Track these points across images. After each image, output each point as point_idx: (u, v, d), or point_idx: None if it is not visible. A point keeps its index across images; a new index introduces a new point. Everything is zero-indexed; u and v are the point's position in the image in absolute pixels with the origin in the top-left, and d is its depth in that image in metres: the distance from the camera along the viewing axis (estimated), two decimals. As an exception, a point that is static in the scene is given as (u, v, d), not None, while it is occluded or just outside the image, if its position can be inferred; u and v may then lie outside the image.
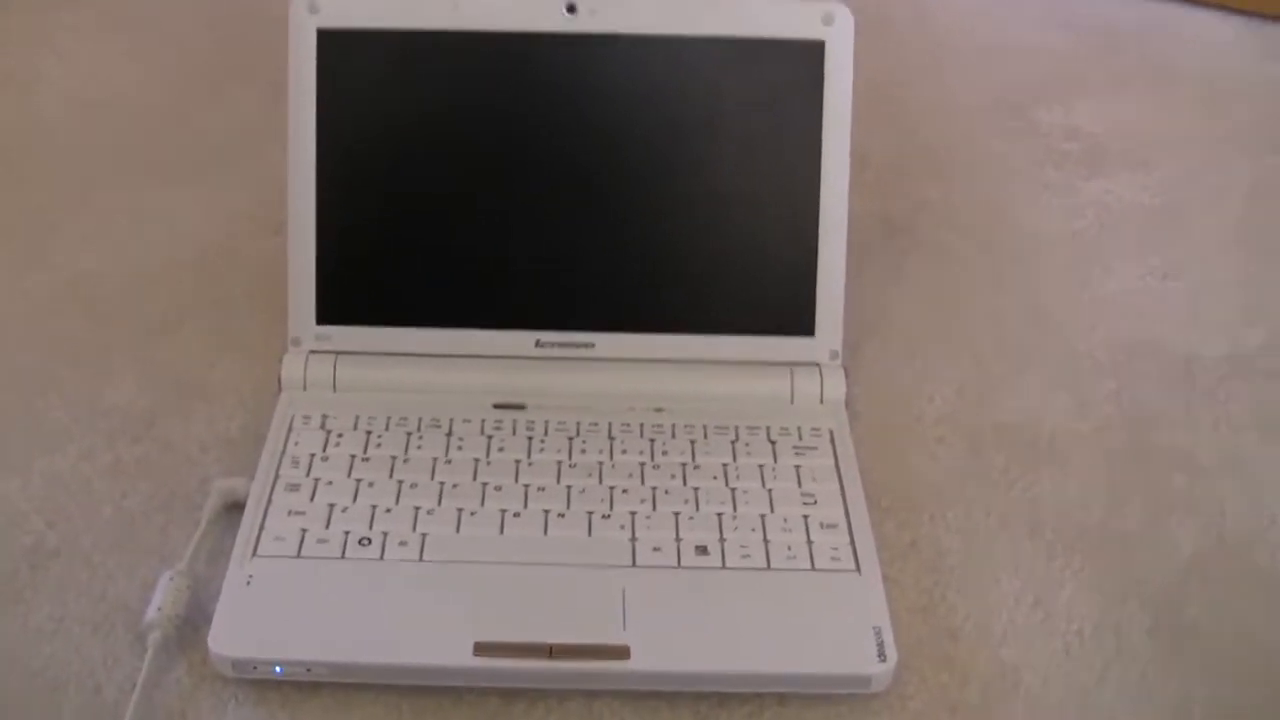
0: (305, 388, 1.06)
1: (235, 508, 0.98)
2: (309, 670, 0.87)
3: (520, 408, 1.05)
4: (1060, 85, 1.59)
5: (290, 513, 0.96)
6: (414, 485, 0.98)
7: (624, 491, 0.98)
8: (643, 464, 1.00)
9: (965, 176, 1.41)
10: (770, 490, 0.98)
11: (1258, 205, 1.38)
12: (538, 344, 1.06)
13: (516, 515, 0.96)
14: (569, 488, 0.98)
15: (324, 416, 1.03)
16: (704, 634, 0.88)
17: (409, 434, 1.02)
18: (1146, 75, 1.62)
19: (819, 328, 1.06)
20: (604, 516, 0.96)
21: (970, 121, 1.51)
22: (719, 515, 0.96)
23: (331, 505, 0.96)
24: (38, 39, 1.65)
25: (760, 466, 1.00)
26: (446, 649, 0.87)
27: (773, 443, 1.02)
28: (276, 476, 0.99)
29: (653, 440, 1.02)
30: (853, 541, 0.95)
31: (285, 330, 1.06)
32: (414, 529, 0.94)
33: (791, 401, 1.06)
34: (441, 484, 0.98)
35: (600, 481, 0.98)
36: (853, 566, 0.93)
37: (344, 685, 0.88)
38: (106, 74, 1.58)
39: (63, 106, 1.52)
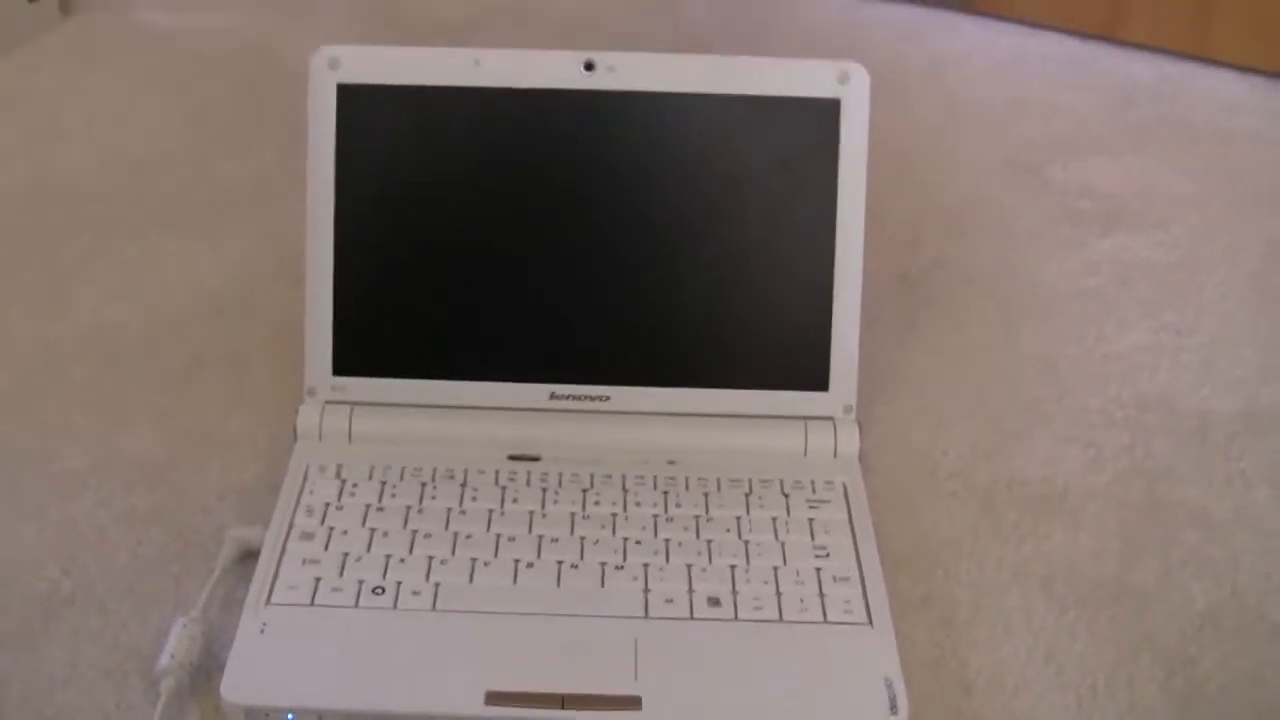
0: (321, 438, 1.06)
1: (249, 556, 0.99)
2: (321, 718, 0.87)
3: (535, 459, 1.05)
4: (1075, 143, 1.59)
5: (304, 561, 0.96)
6: (428, 535, 0.98)
7: (637, 543, 0.98)
8: (656, 516, 1.00)
9: (979, 234, 1.41)
10: (783, 543, 0.98)
11: (1272, 262, 1.38)
12: (553, 396, 1.06)
13: (530, 566, 0.96)
14: (582, 539, 0.98)
15: (339, 466, 1.04)
16: (716, 685, 0.88)
17: (423, 484, 1.02)
18: (1162, 133, 1.62)
19: (833, 382, 1.06)
20: (617, 568, 0.96)
21: (985, 180, 1.52)
22: (732, 567, 0.96)
23: (345, 554, 0.96)
24: (64, 96, 1.67)
25: (773, 519, 1.00)
26: (458, 698, 0.87)
27: (786, 496, 1.02)
28: (291, 525, 0.99)
29: (666, 493, 1.02)
30: (865, 594, 0.94)
31: (301, 380, 1.07)
32: (427, 578, 0.95)
33: (805, 455, 1.06)
34: (455, 534, 0.98)
35: (614, 533, 0.99)
36: (865, 619, 0.93)
37: (356, 734, 0.88)
38: (127, 128, 1.60)
39: (84, 160, 1.53)
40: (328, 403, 1.06)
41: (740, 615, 0.93)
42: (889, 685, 0.88)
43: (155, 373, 1.19)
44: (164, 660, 0.90)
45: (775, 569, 0.96)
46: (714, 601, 0.94)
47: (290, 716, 0.87)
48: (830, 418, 1.07)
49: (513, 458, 1.05)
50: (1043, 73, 1.77)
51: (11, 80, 1.71)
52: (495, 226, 1.06)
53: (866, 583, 0.95)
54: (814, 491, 1.03)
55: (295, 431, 1.06)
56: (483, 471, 1.03)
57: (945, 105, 1.69)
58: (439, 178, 1.06)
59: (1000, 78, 1.76)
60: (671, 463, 1.05)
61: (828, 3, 1.97)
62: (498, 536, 0.98)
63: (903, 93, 1.69)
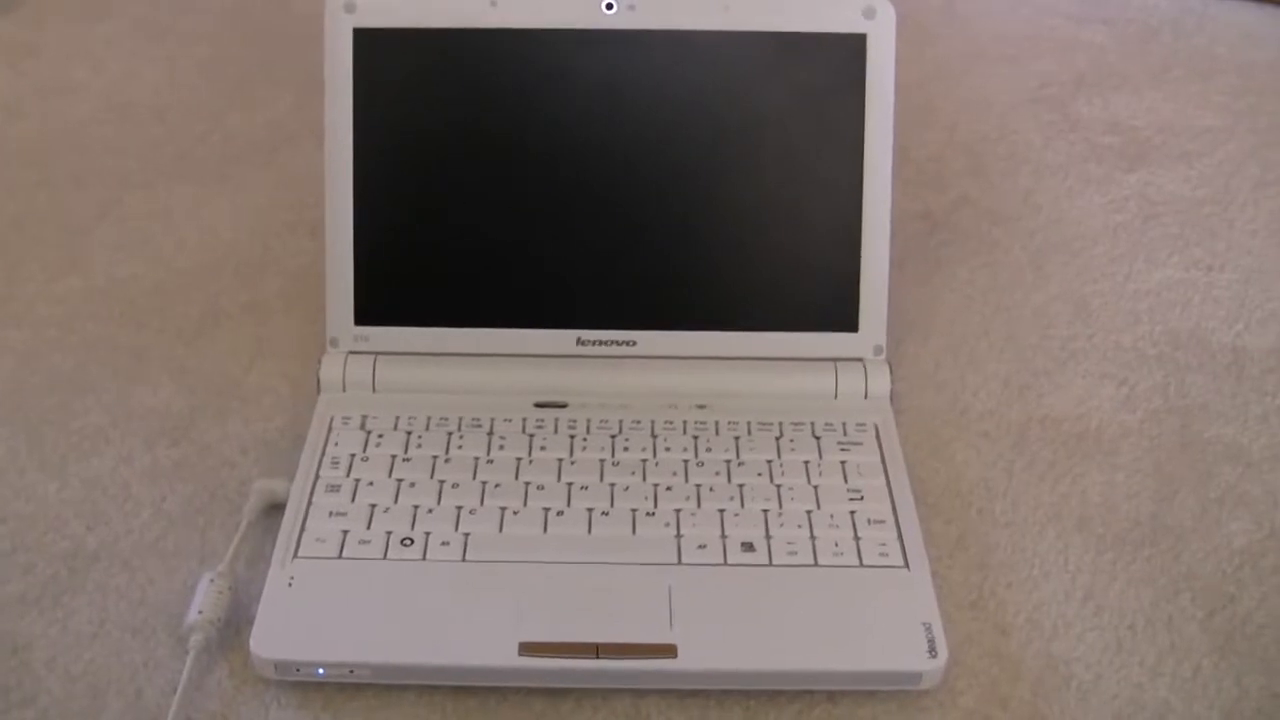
0: (344, 389, 1.05)
1: (275, 509, 0.98)
2: (351, 671, 0.86)
3: (562, 406, 1.04)
4: (1098, 78, 1.57)
5: (331, 514, 0.95)
6: (455, 485, 0.97)
7: (668, 489, 0.97)
8: (686, 461, 0.99)
9: (1005, 171, 1.40)
10: (816, 486, 0.97)
11: (1301, 196, 1.37)
12: (579, 342, 1.05)
13: (560, 514, 0.95)
14: (612, 486, 0.97)
15: (364, 417, 1.03)
16: (751, 632, 0.87)
17: (450, 434, 1.01)
18: (1184, 67, 1.60)
19: (863, 323, 1.05)
20: (648, 514, 0.95)
21: (1008, 116, 1.50)
22: (764, 512, 0.95)
23: (373, 506, 0.95)
24: (72, 50, 1.65)
25: (805, 463, 0.99)
26: (491, 649, 0.86)
27: (817, 438, 1.01)
28: (317, 477, 0.98)
29: (696, 437, 1.01)
30: (900, 537, 0.94)
31: (321, 331, 1.06)
32: (456, 529, 0.94)
33: (835, 397, 1.05)
34: (483, 484, 0.97)
35: (644, 479, 0.98)
36: (901, 562, 0.92)
37: (387, 686, 0.88)
38: (139, 80, 1.58)
39: (96, 113, 1.52)
40: (351, 353, 1.05)
41: (774, 560, 0.92)
42: (927, 628, 0.87)
43: (173, 326, 1.18)
44: (192, 616, 0.90)
45: (809, 513, 0.95)
46: (748, 547, 0.93)
47: (320, 670, 0.86)
48: (860, 359, 1.05)
49: (540, 405, 1.04)
50: (1062, 7, 1.75)
51: (18, 34, 1.69)
52: (517, 170, 1.04)
53: (901, 525, 0.94)
54: (845, 434, 1.02)
55: (318, 383, 1.05)
56: (509, 419, 1.02)
57: (964, 41, 1.67)
58: (459, 122, 1.04)
59: (1019, 13, 1.73)
60: (701, 407, 1.04)
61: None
62: (526, 485, 0.97)
63: (921, 28, 1.67)
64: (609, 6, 1.02)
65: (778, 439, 1.01)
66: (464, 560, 0.92)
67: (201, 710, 0.87)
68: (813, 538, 0.93)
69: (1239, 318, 1.19)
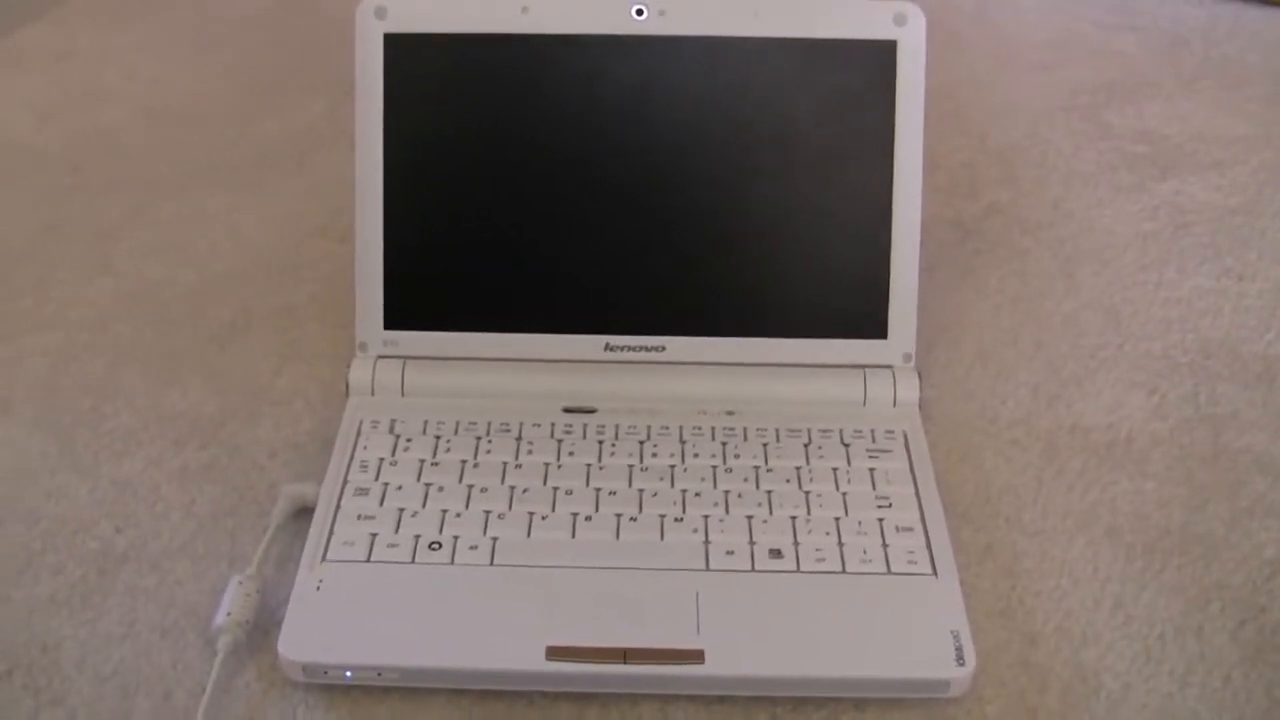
0: (373, 393, 1.05)
1: (304, 512, 0.98)
2: (379, 675, 0.86)
3: (590, 411, 1.04)
4: (1129, 87, 1.57)
5: (360, 517, 0.95)
6: (484, 489, 0.97)
7: (696, 495, 0.97)
8: (714, 467, 0.99)
9: (1036, 179, 1.39)
10: (844, 493, 0.97)
11: (1333, 206, 1.36)
12: (607, 348, 1.05)
13: (588, 519, 0.95)
14: (640, 491, 0.97)
15: (392, 421, 1.03)
16: (779, 638, 0.87)
17: (478, 438, 1.01)
18: (1215, 76, 1.60)
19: (892, 330, 1.05)
20: (676, 520, 0.95)
21: (1039, 124, 1.50)
22: (792, 518, 0.95)
23: (401, 510, 0.95)
24: (105, 56, 1.66)
25: (834, 469, 0.99)
26: (519, 653, 0.86)
27: (846, 445, 1.01)
28: (345, 481, 0.98)
29: (724, 443, 1.01)
30: (929, 544, 0.93)
31: (351, 335, 1.06)
32: (484, 533, 0.94)
33: (864, 404, 1.05)
34: (512, 488, 0.97)
35: (672, 485, 0.97)
36: (929, 570, 0.92)
37: (414, 690, 0.88)
38: (171, 85, 1.59)
39: (127, 118, 1.52)
40: (380, 357, 1.05)
41: (802, 567, 0.92)
42: (955, 636, 0.87)
43: (204, 329, 1.19)
44: (220, 618, 0.90)
45: (837, 520, 0.95)
46: (775, 553, 0.92)
47: (348, 673, 0.86)
48: (889, 366, 1.05)
49: (568, 410, 1.04)
50: (1092, 15, 1.74)
51: (49, 40, 1.70)
52: (547, 176, 1.04)
53: (930, 533, 0.94)
54: (874, 441, 1.01)
55: (347, 387, 1.05)
56: (538, 425, 1.02)
57: (996, 48, 1.67)
58: (489, 127, 1.04)
59: (1049, 21, 1.73)
60: (729, 413, 1.04)
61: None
62: (555, 490, 0.97)
63: (952, 35, 1.67)
64: (639, 13, 1.02)
65: (806, 445, 1.01)
66: (492, 564, 0.92)
67: (229, 712, 0.87)
68: (840, 544, 0.93)
69: (1270, 327, 1.19)
